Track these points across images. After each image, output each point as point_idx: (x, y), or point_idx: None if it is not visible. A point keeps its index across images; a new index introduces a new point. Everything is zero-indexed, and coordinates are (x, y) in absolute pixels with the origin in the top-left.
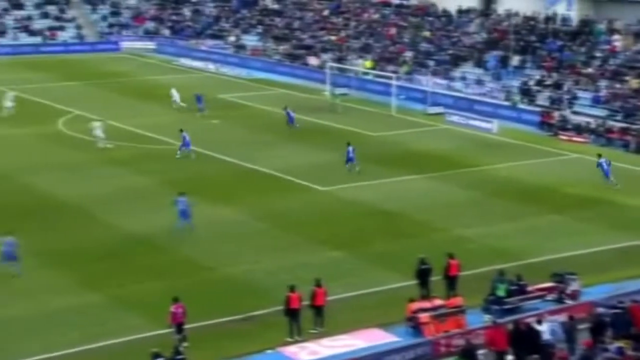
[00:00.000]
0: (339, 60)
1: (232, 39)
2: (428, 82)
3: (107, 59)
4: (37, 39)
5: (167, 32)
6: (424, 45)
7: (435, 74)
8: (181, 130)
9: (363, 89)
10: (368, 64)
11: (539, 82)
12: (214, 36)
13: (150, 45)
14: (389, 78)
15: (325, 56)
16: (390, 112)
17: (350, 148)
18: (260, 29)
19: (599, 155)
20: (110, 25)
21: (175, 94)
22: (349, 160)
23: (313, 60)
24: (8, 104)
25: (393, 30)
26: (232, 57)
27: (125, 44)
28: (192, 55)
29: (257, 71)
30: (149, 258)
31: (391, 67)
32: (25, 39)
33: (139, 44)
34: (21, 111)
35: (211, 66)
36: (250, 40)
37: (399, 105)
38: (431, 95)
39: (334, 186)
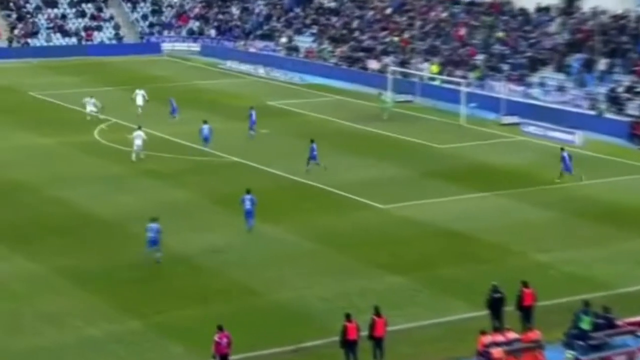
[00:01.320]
0: (402, 64)
1: (283, 40)
2: (502, 89)
3: (147, 62)
4: (72, 40)
5: (212, 32)
6: (498, 48)
7: (510, 79)
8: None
9: (429, 95)
10: (434, 68)
11: (629, 89)
12: (264, 37)
13: (195, 47)
14: (458, 84)
15: (387, 59)
16: (458, 122)
17: (314, 145)
18: (315, 29)
19: (562, 149)
20: (151, 25)
21: (139, 97)
22: (311, 158)
23: (373, 64)
24: (90, 108)
25: (463, 31)
26: (283, 60)
27: (167, 46)
28: (240, 58)
29: (311, 76)
30: (190, 281)
31: (460, 72)
32: (59, 39)
33: (182, 46)
34: (53, 119)
35: (261, 70)
36: (304, 42)
37: (468, 115)
38: (505, 103)
39: (395, 204)
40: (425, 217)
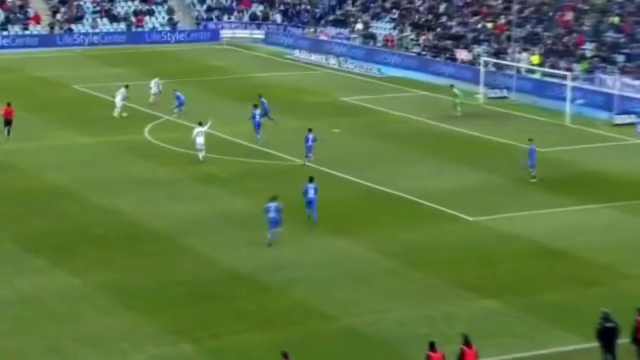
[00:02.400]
0: (497, 54)
1: (359, 26)
2: (615, 84)
3: (204, 50)
4: (121, 26)
5: (278, 18)
6: (611, 35)
7: (625, 72)
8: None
9: (527, 91)
10: (535, 59)
11: None
12: (338, 23)
13: (258, 34)
14: (563, 78)
15: (479, 49)
16: (563, 122)
17: (311, 136)
18: (395, 14)
19: (530, 140)
20: (209, 10)
21: (155, 85)
22: (308, 150)
23: (463, 55)
24: (153, 90)
25: (569, 16)
26: (359, 49)
27: (227, 33)
28: (310, 48)
29: (390, 68)
30: (252, 301)
31: (565, 64)
32: (106, 26)
33: (243, 33)
34: (99, 115)
35: (333, 61)
36: (383, 29)
37: (575, 113)
38: (619, 100)
39: (486, 216)
40: (522, 232)
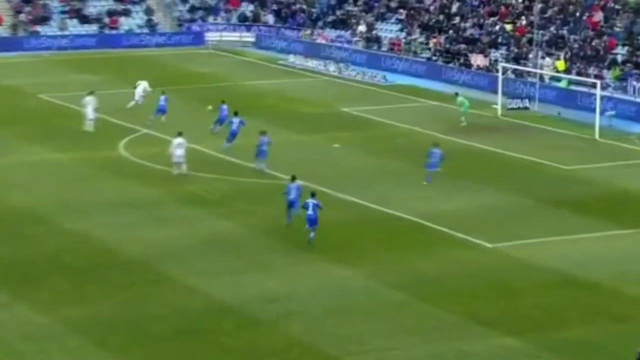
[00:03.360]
0: (517, 59)
1: (362, 28)
2: None
3: (186, 55)
4: (93, 28)
5: (270, 18)
6: None
7: None
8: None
9: (551, 100)
10: (560, 64)
11: None
12: (337, 24)
13: (248, 37)
14: (592, 86)
15: (497, 53)
16: (592, 135)
17: (265, 139)
18: (402, 14)
19: (436, 144)
20: (193, 9)
21: (141, 90)
22: (259, 153)
23: (479, 60)
24: (139, 93)
25: (598, 16)
26: (361, 53)
27: (213, 36)
28: (306, 52)
29: (397, 74)
30: (239, 337)
31: (594, 70)
32: (76, 27)
33: (231, 36)
34: (68, 128)
35: (332, 67)
36: (388, 31)
37: (605, 126)
38: None
39: (506, 242)
40: (546, 261)
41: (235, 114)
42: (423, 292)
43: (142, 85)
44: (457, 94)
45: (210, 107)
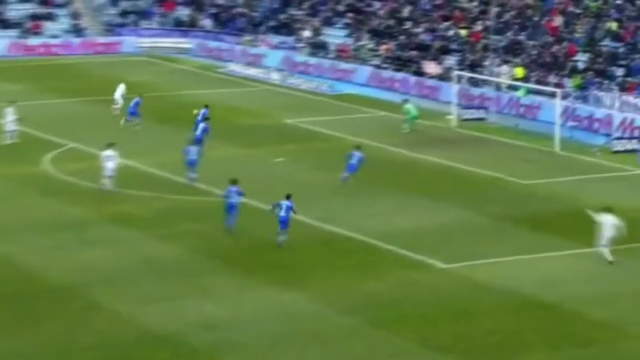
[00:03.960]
0: (472, 67)
1: (307, 34)
2: (614, 102)
3: (116, 63)
4: (13, 33)
5: (208, 23)
6: (608, 44)
7: (625, 89)
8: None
9: (509, 111)
10: (518, 72)
11: None
12: (280, 30)
13: (184, 43)
14: (551, 95)
15: (451, 61)
16: (552, 148)
17: (193, 148)
18: (350, 18)
19: (358, 147)
20: (124, 13)
21: (119, 94)
22: (191, 164)
23: (432, 68)
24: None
25: (558, 20)
26: (306, 61)
27: (146, 42)
28: (247, 59)
29: (344, 83)
30: None
31: (554, 78)
32: None
33: (166, 42)
34: None
35: (275, 75)
36: (336, 36)
37: (565, 138)
38: (619, 121)
39: (461, 262)
40: (504, 282)
41: (206, 119)
42: (374, 316)
43: (121, 89)
44: (405, 100)
45: (196, 112)
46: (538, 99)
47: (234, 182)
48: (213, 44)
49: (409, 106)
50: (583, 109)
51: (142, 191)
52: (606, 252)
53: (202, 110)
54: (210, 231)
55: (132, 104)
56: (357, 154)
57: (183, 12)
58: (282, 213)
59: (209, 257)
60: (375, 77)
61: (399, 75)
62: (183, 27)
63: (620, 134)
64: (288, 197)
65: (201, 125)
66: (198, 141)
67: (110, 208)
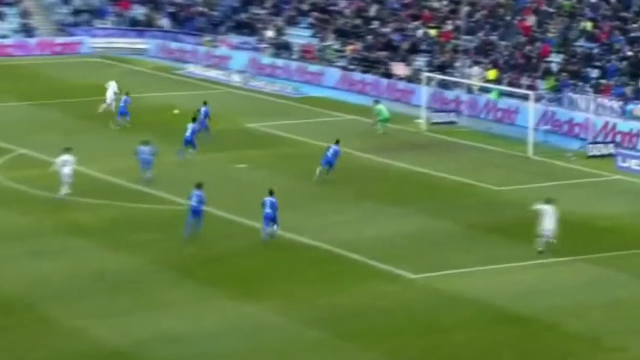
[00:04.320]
0: (442, 68)
1: (270, 34)
2: (589, 105)
3: (69, 64)
4: None
5: (165, 23)
6: (583, 45)
7: (600, 91)
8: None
9: (480, 114)
10: (490, 74)
11: None
12: (242, 29)
13: (140, 43)
14: (524, 97)
15: (420, 62)
16: (525, 153)
17: (145, 148)
18: (314, 17)
19: (337, 142)
20: (76, 12)
21: (112, 91)
22: (145, 164)
23: (400, 69)
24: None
25: (530, 20)
26: (269, 63)
27: (99, 42)
28: (206, 61)
29: (309, 85)
30: None
31: (527, 80)
32: None
33: (121, 42)
34: None
35: (236, 77)
36: (300, 37)
37: (539, 142)
38: (593, 125)
39: (431, 272)
40: (476, 293)
41: (193, 119)
42: (341, 329)
43: (112, 87)
44: (377, 101)
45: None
46: (515, 102)
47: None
48: (171, 44)
49: (380, 107)
50: (557, 111)
51: (95, 199)
52: (539, 241)
53: (203, 109)
54: (167, 241)
55: (121, 103)
56: (334, 147)
57: (139, 11)
58: (267, 210)
59: (166, 268)
60: (344, 79)
61: (370, 77)
62: (139, 27)
63: (601, 138)
64: (271, 193)
65: (190, 126)
66: (187, 143)
67: (62, 217)
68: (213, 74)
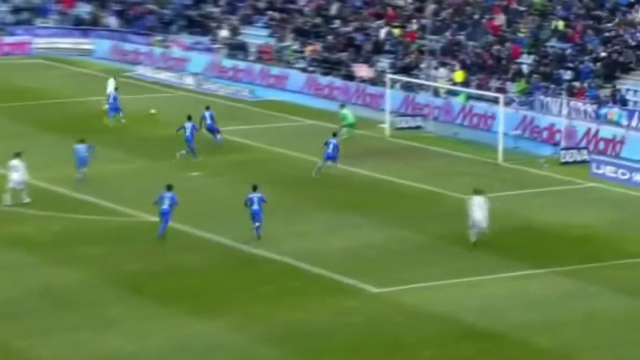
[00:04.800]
0: (407, 70)
1: (224, 33)
2: (562, 109)
3: (8, 66)
4: None
5: (113, 22)
6: (555, 45)
7: (573, 94)
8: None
9: (447, 119)
10: (457, 76)
11: None
12: (194, 28)
13: (85, 44)
14: (493, 101)
15: (384, 63)
16: (494, 159)
17: (81, 147)
18: (271, 17)
19: (334, 134)
20: (16, 10)
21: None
22: (80, 162)
23: (363, 71)
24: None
25: (500, 19)
26: (223, 64)
27: (41, 42)
28: (156, 62)
29: (266, 89)
30: None
31: (496, 83)
32: None
33: (64, 42)
34: None
35: (189, 80)
36: (256, 36)
37: (510, 148)
38: (566, 130)
39: (395, 286)
40: (443, 308)
41: (189, 118)
42: (300, 347)
43: (111, 85)
44: (342, 105)
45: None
46: (479, 104)
47: (255, 188)
48: (118, 44)
49: (345, 111)
50: (528, 115)
51: (37, 210)
52: (471, 233)
53: (207, 113)
54: (114, 254)
55: (110, 100)
56: (333, 141)
57: (84, 9)
58: (255, 207)
59: (114, 283)
60: (309, 83)
61: (339, 82)
62: (84, 26)
63: (568, 144)
64: (255, 189)
65: (189, 125)
66: (187, 141)
67: (3, 230)
68: (163, 76)
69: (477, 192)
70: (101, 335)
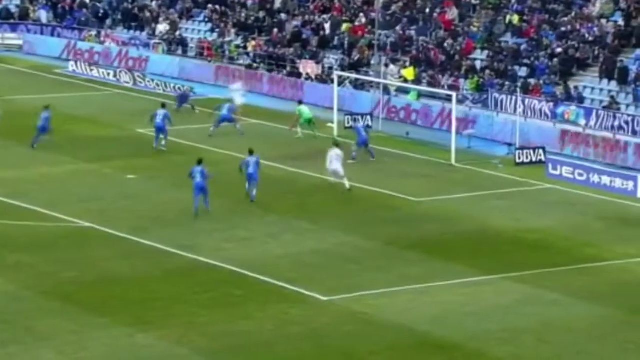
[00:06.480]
0: (355, 67)
1: (162, 28)
2: (517, 107)
3: None
4: None
5: (43, 15)
6: (508, 40)
7: (528, 91)
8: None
9: (398, 118)
10: (408, 73)
11: None
12: (130, 23)
13: (13, 39)
14: (446, 98)
15: (331, 60)
16: (447, 160)
17: (46, 114)
18: (212, 10)
19: (355, 120)
20: None
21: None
22: (40, 129)
23: (309, 67)
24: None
25: (452, 13)
26: (162, 60)
27: None
28: (91, 59)
29: (207, 86)
30: None
31: (448, 79)
32: None
33: None
34: None
35: (125, 77)
36: (196, 31)
37: (463, 149)
38: (521, 129)
39: (344, 294)
40: (396, 317)
41: (163, 105)
42: (245, 358)
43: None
44: (300, 102)
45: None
46: (430, 102)
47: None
48: (49, 40)
49: (301, 107)
50: (481, 114)
51: None
52: (331, 180)
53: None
54: (45, 263)
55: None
56: (360, 127)
57: (12, 3)
58: (250, 170)
59: (46, 294)
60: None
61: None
62: (12, 20)
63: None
64: (251, 153)
65: (162, 112)
66: (158, 129)
67: None
68: (98, 73)
69: (336, 144)
70: (32, 349)
